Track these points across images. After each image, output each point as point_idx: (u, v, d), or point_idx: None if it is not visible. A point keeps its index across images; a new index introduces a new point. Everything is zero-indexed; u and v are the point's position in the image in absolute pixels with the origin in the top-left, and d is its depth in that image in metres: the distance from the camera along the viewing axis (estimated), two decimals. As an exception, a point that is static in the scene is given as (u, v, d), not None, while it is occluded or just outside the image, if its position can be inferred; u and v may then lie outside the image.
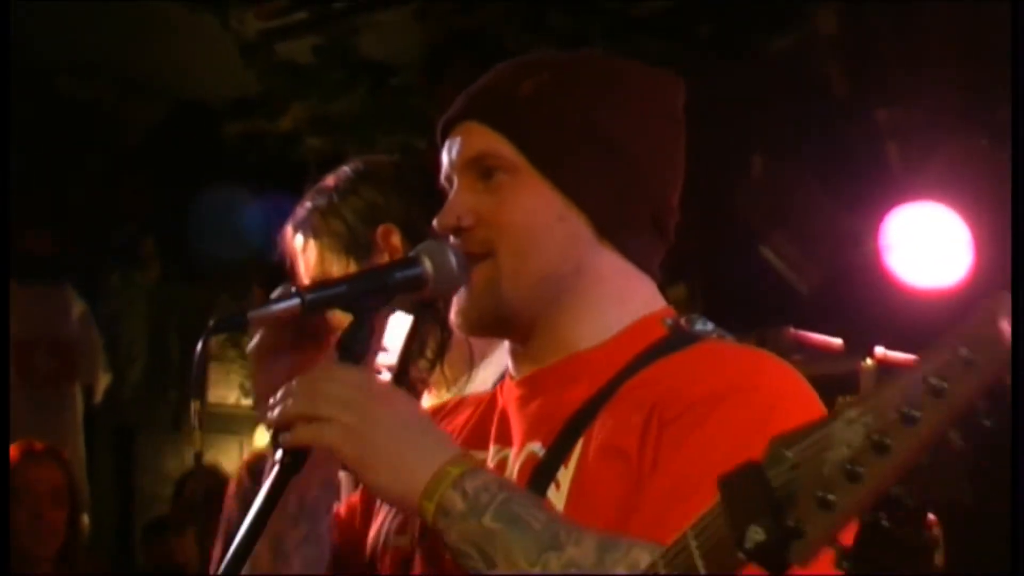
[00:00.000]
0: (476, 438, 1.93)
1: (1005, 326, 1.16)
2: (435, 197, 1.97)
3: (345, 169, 2.69)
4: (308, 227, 2.64)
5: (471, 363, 2.52)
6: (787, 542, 1.21)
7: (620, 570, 1.60)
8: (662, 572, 1.33)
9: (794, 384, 1.79)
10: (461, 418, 2.01)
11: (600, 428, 1.79)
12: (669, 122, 1.95)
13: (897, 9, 5.33)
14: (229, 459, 7.33)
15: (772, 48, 5.73)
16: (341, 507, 2.07)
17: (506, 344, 1.97)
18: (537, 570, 1.64)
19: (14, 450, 4.74)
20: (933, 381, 1.17)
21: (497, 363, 2.38)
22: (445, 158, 1.94)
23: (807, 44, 5.62)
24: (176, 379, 7.36)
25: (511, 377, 1.95)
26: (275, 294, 1.83)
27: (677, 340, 1.86)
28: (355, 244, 2.61)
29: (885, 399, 1.19)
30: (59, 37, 5.87)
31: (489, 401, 1.99)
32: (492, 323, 1.91)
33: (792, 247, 5.80)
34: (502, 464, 1.88)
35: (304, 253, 2.65)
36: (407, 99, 6.04)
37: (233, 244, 6.56)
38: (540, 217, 1.87)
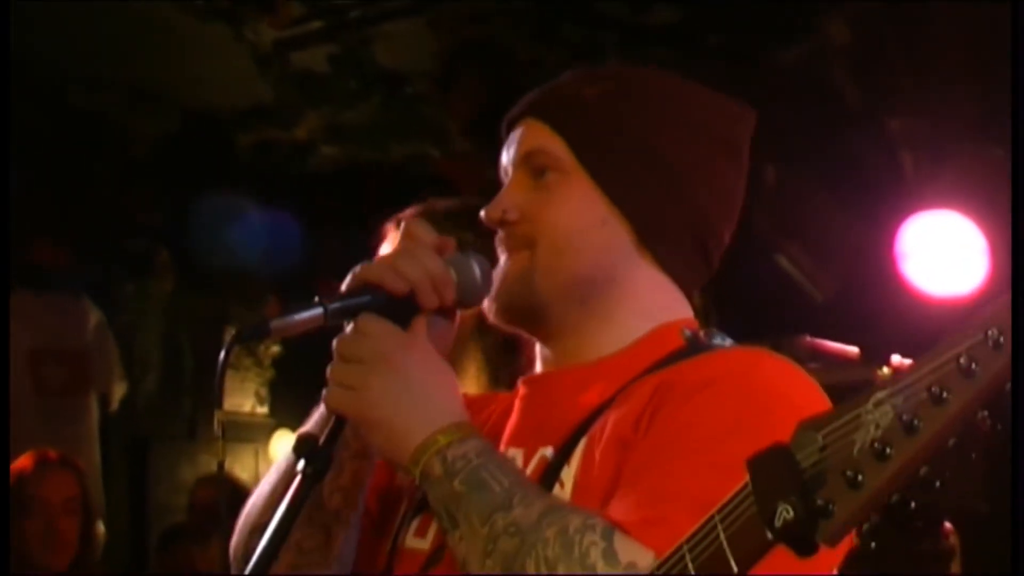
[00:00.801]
0: (490, 438, 1.94)
1: None
2: None
3: (458, 203, 2.68)
4: None
5: None
6: (815, 521, 1.22)
7: (552, 531, 1.65)
8: (687, 554, 1.33)
9: (795, 375, 1.81)
10: (485, 414, 2.02)
11: (603, 425, 1.80)
12: (727, 151, 1.97)
13: (909, 18, 5.33)
14: (244, 468, 7.33)
15: (784, 58, 5.73)
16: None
17: None
18: (485, 530, 1.69)
19: (28, 459, 4.73)
20: (963, 362, 1.17)
21: None
22: (504, 153, 1.98)
23: (819, 54, 5.62)
24: (191, 389, 7.35)
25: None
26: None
27: (692, 350, 1.88)
28: None
29: (914, 380, 1.19)
30: (71, 49, 5.89)
31: (508, 402, 2.00)
32: (520, 313, 1.93)
33: (807, 256, 5.80)
34: None
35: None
36: (421, 108, 6.06)
37: (247, 254, 6.59)
38: (582, 219, 1.90)
